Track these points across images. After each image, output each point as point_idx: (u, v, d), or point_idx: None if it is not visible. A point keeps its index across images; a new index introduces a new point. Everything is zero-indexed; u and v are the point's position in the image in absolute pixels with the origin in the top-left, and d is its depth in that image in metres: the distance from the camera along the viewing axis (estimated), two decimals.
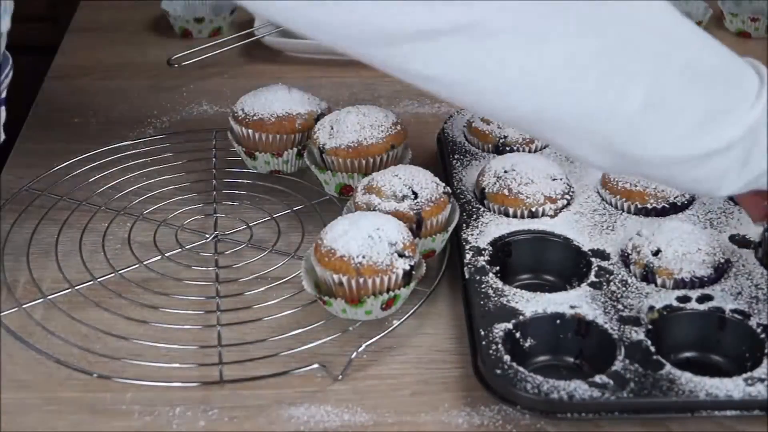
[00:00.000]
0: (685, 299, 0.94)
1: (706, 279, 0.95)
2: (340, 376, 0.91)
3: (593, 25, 0.73)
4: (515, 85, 0.74)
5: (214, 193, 1.13)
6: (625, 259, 0.99)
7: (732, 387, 0.85)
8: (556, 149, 1.12)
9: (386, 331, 0.94)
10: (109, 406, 0.88)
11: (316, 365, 0.90)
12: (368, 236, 0.92)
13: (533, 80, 0.73)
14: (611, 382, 0.85)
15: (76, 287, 0.99)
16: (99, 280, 1.00)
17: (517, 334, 0.91)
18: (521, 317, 0.91)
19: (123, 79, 1.39)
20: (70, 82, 1.38)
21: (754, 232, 1.02)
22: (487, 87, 0.74)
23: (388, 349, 0.94)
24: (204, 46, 1.44)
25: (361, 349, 0.92)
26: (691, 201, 1.07)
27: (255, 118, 1.13)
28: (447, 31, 0.70)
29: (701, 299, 0.94)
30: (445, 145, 1.18)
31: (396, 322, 0.95)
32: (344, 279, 0.91)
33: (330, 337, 0.93)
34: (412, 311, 0.96)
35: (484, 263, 0.98)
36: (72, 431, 0.86)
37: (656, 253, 0.96)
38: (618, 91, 0.74)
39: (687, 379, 0.85)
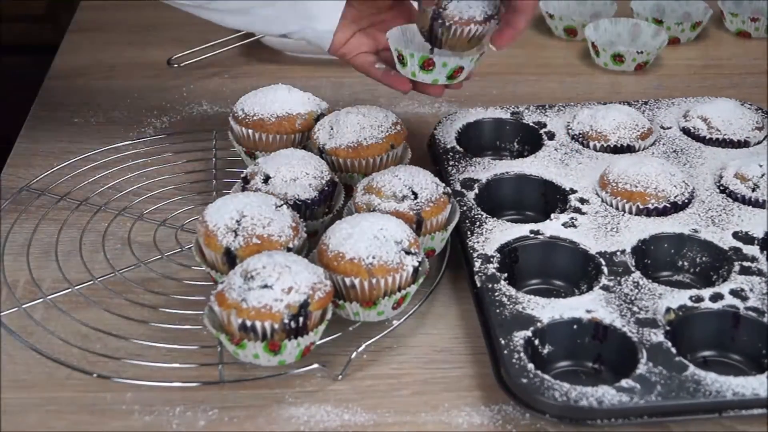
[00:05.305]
0: (698, 299, 0.93)
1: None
2: (340, 376, 0.91)
3: None
4: None
5: (214, 193, 1.13)
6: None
7: (757, 385, 0.84)
8: None
9: (386, 331, 0.94)
10: (108, 406, 0.88)
11: (315, 365, 0.90)
12: (374, 237, 0.92)
13: None
14: (638, 386, 0.84)
15: (76, 287, 0.99)
16: (99, 280, 1.00)
17: (536, 341, 0.90)
18: (539, 324, 0.90)
19: (123, 79, 1.39)
20: (70, 82, 1.38)
21: (757, 229, 1.02)
22: None
23: (388, 349, 0.94)
24: (204, 46, 1.44)
25: (361, 349, 0.92)
26: (691, 200, 1.07)
27: (255, 118, 1.13)
28: None
29: (714, 297, 0.93)
30: (436, 150, 1.16)
31: (396, 322, 0.95)
32: (356, 281, 0.91)
33: (330, 337, 0.93)
34: (412, 311, 0.96)
35: (494, 271, 0.97)
36: (72, 431, 0.86)
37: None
38: None
39: (712, 379, 0.84)
